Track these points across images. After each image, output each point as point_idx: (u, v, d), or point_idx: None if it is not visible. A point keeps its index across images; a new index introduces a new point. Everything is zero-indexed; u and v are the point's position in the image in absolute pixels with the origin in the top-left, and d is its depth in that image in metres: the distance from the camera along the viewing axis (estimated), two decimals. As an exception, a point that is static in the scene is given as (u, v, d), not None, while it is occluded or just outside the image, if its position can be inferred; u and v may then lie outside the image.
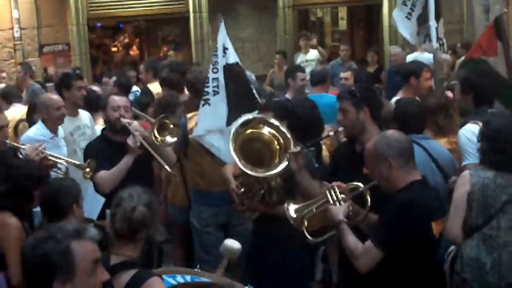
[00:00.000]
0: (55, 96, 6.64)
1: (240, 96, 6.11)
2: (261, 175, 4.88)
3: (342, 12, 18.70)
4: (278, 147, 4.93)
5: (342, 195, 4.17)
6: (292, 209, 4.28)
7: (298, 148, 4.73)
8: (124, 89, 8.52)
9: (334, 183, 4.24)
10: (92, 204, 5.49)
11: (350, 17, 18.59)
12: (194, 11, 14.56)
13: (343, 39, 17.67)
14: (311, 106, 5.88)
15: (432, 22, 7.68)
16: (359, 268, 3.97)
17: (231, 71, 6.13)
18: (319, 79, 8.36)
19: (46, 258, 2.59)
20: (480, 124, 4.99)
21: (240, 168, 4.89)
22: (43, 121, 6.45)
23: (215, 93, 6.07)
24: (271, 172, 4.84)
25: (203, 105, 6.09)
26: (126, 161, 5.61)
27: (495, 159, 4.50)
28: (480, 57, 7.26)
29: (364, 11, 17.53)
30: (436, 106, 5.87)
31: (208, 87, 6.07)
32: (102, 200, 5.54)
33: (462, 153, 5.21)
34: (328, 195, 4.19)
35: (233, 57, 6.16)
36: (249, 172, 4.83)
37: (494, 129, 4.59)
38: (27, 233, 4.81)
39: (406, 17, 8.19)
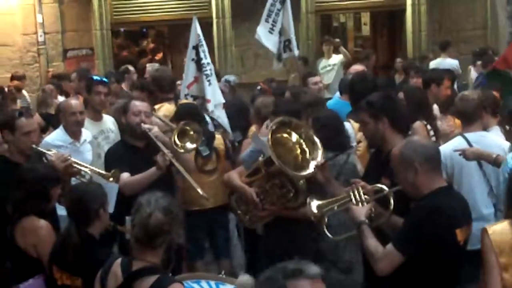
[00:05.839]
0: (73, 101, 6.56)
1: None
2: (294, 174, 4.91)
3: (365, 17, 18.58)
4: (299, 151, 4.98)
5: (366, 196, 4.16)
6: (314, 205, 4.27)
7: (322, 161, 4.75)
8: None
9: (358, 183, 4.25)
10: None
11: (373, 23, 18.48)
12: (217, 17, 14.57)
13: (366, 45, 17.56)
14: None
15: (292, 35, 9.51)
16: (378, 271, 3.96)
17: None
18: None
19: None
20: (351, 121, 6.27)
21: (269, 166, 5.00)
22: (64, 127, 6.44)
23: (212, 73, 7.86)
24: (304, 173, 4.87)
25: (209, 84, 7.74)
26: (152, 174, 5.53)
27: (337, 141, 5.26)
28: (505, 70, 7.31)
29: (387, 17, 17.42)
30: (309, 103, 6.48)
31: (206, 70, 7.81)
32: (115, 186, 5.48)
33: None
34: (352, 195, 4.19)
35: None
36: (284, 168, 4.84)
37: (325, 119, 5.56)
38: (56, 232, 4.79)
39: (269, 31, 9.59)
